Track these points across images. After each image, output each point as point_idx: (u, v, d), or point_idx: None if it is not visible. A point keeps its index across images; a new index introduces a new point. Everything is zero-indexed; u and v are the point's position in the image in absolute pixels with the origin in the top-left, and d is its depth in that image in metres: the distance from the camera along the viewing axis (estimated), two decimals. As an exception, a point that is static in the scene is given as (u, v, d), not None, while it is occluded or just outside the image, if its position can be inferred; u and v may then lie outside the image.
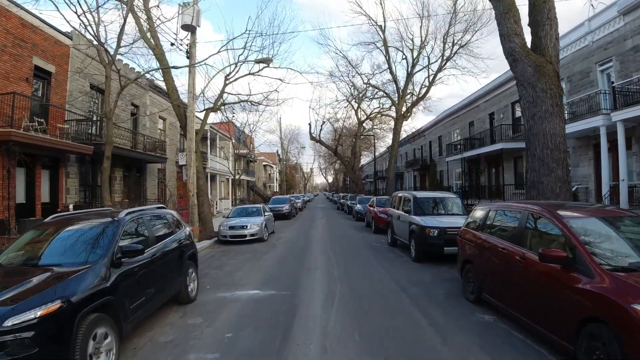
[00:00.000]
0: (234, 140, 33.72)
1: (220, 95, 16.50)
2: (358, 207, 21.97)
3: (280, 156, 57.70)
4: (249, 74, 17.26)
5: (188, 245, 6.60)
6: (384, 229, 14.96)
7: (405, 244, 10.51)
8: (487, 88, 23.46)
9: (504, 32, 8.89)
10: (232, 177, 27.32)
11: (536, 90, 8.49)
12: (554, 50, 8.96)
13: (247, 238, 13.04)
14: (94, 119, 16.36)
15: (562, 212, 4.58)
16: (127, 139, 18.80)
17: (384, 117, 36.89)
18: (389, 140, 48.84)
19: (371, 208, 16.88)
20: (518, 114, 20.72)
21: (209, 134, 28.21)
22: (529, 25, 9.28)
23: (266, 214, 14.83)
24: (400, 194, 11.53)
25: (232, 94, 17.56)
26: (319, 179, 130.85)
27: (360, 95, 28.96)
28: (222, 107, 18.23)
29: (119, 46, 10.03)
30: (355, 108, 34.60)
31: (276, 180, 70.30)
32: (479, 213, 6.38)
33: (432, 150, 34.50)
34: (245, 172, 43.49)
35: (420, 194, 10.41)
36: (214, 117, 36.70)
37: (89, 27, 9.41)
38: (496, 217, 5.79)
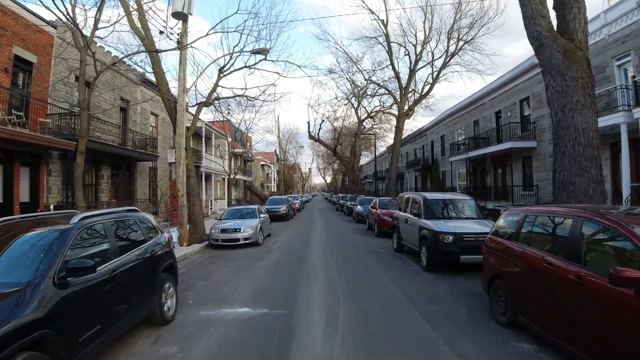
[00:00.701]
0: (230, 139, 32.70)
1: (214, 89, 15.49)
2: (359, 208, 20.94)
3: (278, 156, 56.67)
4: (245, 66, 16.29)
5: (164, 255, 5.58)
6: (388, 232, 13.99)
7: (413, 251, 9.52)
8: (493, 85, 22.51)
9: (528, 14, 7.92)
10: (228, 177, 26.24)
11: (566, 79, 7.53)
12: (583, 35, 8.01)
13: (240, 242, 12.01)
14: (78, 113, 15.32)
15: (630, 220, 3.59)
16: (115, 135, 17.77)
17: (384, 115, 35.99)
18: (389, 140, 47.94)
19: (373, 210, 15.88)
20: (526, 112, 19.82)
21: (203, 131, 27.18)
22: (553, 8, 8.33)
23: (261, 215, 13.79)
24: (407, 195, 10.52)
25: (226, 88, 16.50)
26: (317, 180, 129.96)
27: (361, 92, 27.96)
28: (217, 102, 17.27)
29: (95, 27, 8.99)
30: (355, 106, 33.65)
31: (274, 180, 69.26)
32: (510, 219, 5.38)
33: (435, 150, 33.53)
34: (242, 171, 42.45)
35: (431, 196, 9.40)
36: (210, 116, 35.68)
37: (57, 1, 8.35)
38: (536, 224, 4.79)
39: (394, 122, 28.84)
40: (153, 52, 13.88)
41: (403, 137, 30.05)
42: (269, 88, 23.76)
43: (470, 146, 23.71)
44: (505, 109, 21.28)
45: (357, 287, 6.89)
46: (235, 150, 32.73)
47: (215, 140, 31.83)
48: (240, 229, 12.07)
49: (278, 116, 73.22)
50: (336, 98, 36.59)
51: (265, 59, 16.44)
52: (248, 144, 48.10)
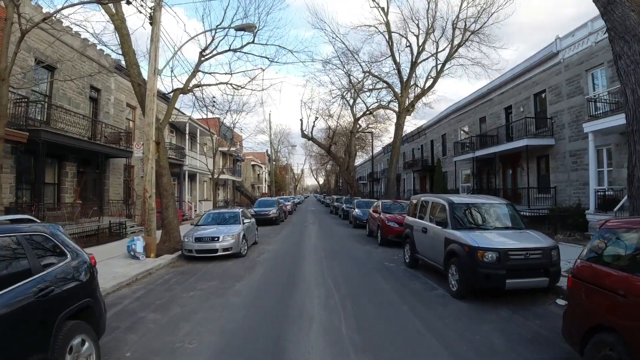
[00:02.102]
0: (216, 136, 30.50)
1: (194, 74, 13.39)
2: (357, 212, 18.91)
3: (270, 156, 54.48)
4: (230, 50, 14.22)
5: (74, 292, 3.50)
6: (394, 241, 12.04)
7: (433, 267, 7.56)
8: (502, 79, 20.71)
9: (594, -37, 6.05)
10: (212, 176, 24.11)
11: (646, 46, 5.65)
12: (655, -7, 6.15)
13: (218, 254, 9.89)
14: (32, 98, 13.17)
15: None
16: (83, 127, 15.61)
17: (380, 115, 34.16)
18: (384, 140, 46.09)
19: (376, 214, 13.89)
20: (542, 107, 18.05)
21: (187, 127, 25.00)
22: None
23: (246, 221, 11.64)
24: (424, 199, 8.51)
25: (207, 73, 14.39)
26: (309, 181, 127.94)
27: (358, 85, 25.96)
28: (197, 91, 15.25)
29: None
30: (351, 104, 31.72)
31: (265, 181, 67.04)
32: (624, 237, 3.42)
33: (435, 150, 31.71)
34: (231, 171, 40.26)
35: (459, 199, 7.40)
36: (195, 113, 33.45)
37: None
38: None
39: (392, 119, 26.93)
40: (119, 25, 11.83)
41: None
42: (258, 74, 21.54)
43: (476, 145, 21.89)
44: (517, 104, 19.48)
45: (372, 331, 4.84)
46: (221, 148, 30.53)
47: (202, 137, 29.73)
48: (218, 238, 9.95)
49: (270, 113, 71.31)
50: (330, 93, 34.67)
51: (253, 42, 14.44)
52: (238, 143, 45.86)
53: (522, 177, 19.20)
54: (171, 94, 13.77)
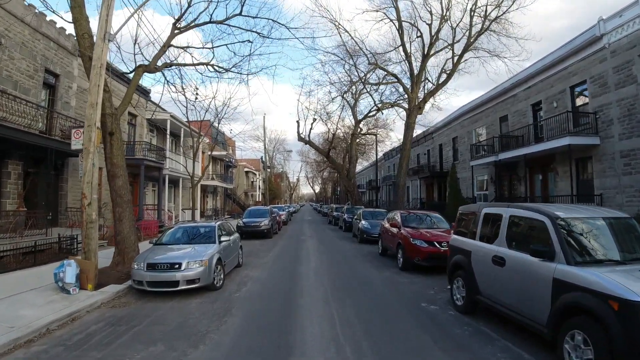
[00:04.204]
0: (207, 140, 27.57)
1: (164, 48, 10.53)
2: (364, 224, 15.94)
3: (264, 162, 51.46)
4: (211, 21, 11.40)
5: None
6: (419, 264, 9.16)
7: (516, 320, 4.66)
8: (529, 72, 18.06)
9: None
10: (193, 180, 21.12)
11: None
12: None
13: (180, 287, 6.89)
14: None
15: None
16: (33, 118, 12.70)
17: (383, 118, 31.52)
18: (387, 145, 43.30)
19: (393, 229, 10.96)
20: (580, 101, 15.40)
21: (168, 124, 22.03)
22: None
23: (224, 239, 8.44)
24: (491, 210, 5.46)
25: (180, 48, 11.45)
26: (305, 189, 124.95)
27: (363, 79, 23.09)
28: (177, 75, 12.42)
29: None
30: (352, 105, 28.95)
31: (259, 188, 63.95)
32: None
33: (444, 155, 28.95)
34: (222, 178, 37.27)
35: (567, 213, 4.37)
36: (176, 107, 30.13)
37: None
38: None
39: (394, 124, 24.18)
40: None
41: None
42: (244, 49, 18.65)
43: (497, 147, 19.17)
44: (549, 98, 16.78)
45: None
46: (209, 152, 27.59)
47: (188, 140, 26.81)
48: (180, 265, 6.89)
49: (264, 117, 68.57)
50: (329, 93, 31.95)
51: (240, 14, 11.66)
52: (230, 148, 42.90)
53: (555, 183, 16.46)
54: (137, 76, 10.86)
